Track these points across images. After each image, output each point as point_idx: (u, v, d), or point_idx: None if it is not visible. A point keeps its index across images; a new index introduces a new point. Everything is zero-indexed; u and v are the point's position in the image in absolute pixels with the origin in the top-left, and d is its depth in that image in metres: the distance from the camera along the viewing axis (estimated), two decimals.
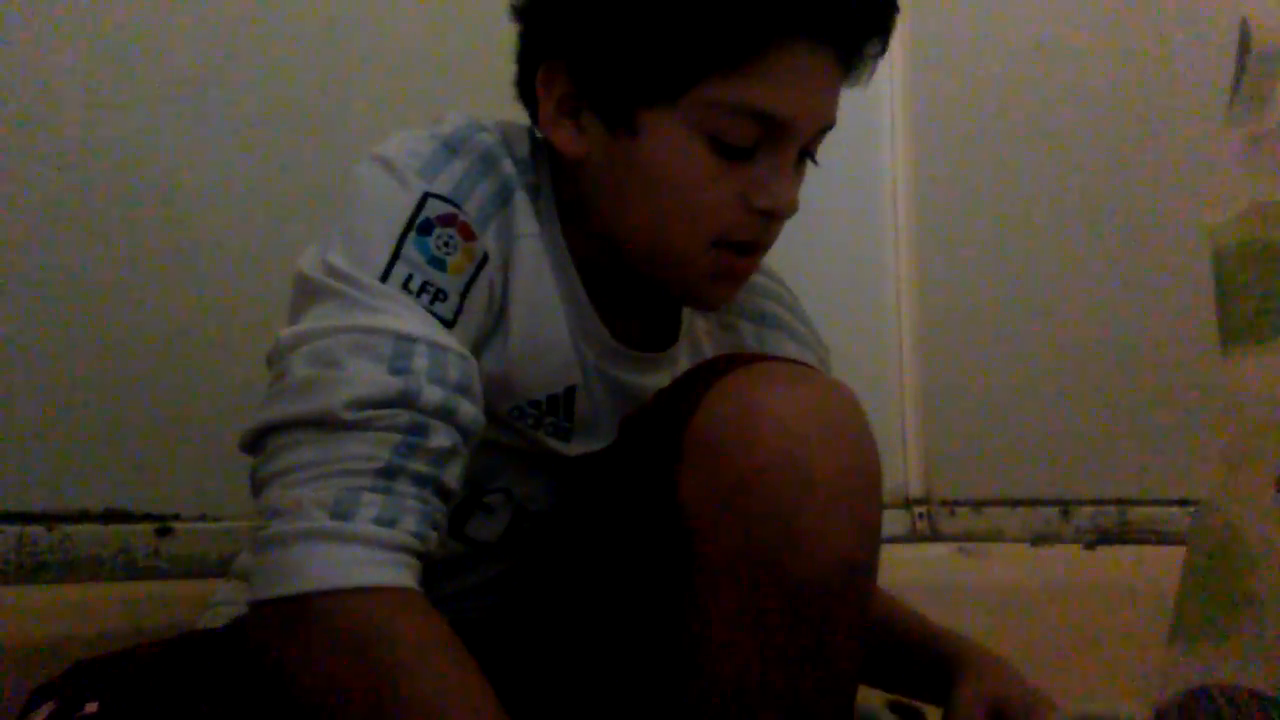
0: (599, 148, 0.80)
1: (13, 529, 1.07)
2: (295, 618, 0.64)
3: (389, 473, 0.67)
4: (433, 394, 0.69)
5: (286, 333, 0.70)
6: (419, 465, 0.68)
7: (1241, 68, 0.64)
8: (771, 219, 0.81)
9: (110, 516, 1.12)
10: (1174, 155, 1.39)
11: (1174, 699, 0.61)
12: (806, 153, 0.82)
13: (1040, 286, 1.50)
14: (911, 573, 1.42)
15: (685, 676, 0.71)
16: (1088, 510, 1.43)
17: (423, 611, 0.66)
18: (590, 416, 0.85)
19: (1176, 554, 1.32)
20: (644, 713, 0.76)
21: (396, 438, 0.67)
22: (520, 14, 0.84)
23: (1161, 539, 1.37)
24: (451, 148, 0.77)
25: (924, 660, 0.95)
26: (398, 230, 0.73)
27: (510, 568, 0.88)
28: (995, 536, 1.49)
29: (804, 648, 0.70)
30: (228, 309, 1.19)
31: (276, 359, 0.70)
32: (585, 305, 0.84)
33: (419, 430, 0.68)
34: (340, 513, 0.65)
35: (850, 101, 0.83)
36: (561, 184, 0.84)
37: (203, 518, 1.17)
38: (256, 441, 0.69)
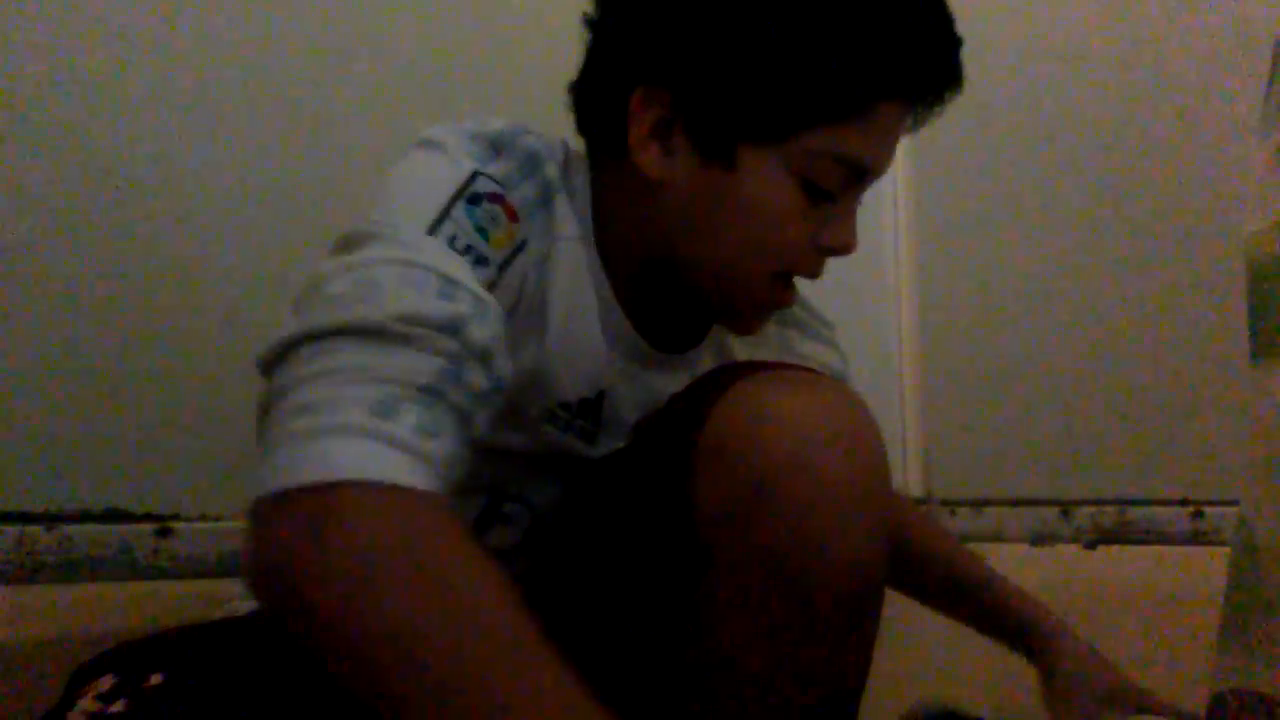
0: (685, 174, 0.81)
1: (13, 529, 1.05)
2: (325, 507, 0.58)
3: (431, 392, 0.64)
4: (479, 331, 0.67)
5: (326, 263, 0.68)
6: (458, 397, 0.65)
7: (1272, 80, 0.63)
8: (833, 254, 0.84)
9: (110, 516, 1.11)
10: (1176, 156, 1.40)
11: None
12: None
13: (1040, 287, 1.51)
14: None
15: (698, 676, 0.71)
16: (1088, 510, 1.43)
17: (462, 523, 0.62)
18: (615, 418, 0.86)
19: (1176, 554, 1.35)
20: (658, 714, 0.76)
21: (441, 362, 0.64)
22: (606, 32, 0.85)
23: (1161, 539, 1.38)
24: (497, 147, 0.78)
25: (1002, 626, 1.03)
26: (446, 195, 0.72)
27: (521, 572, 0.88)
28: (995, 536, 1.49)
29: (817, 648, 0.70)
30: (228, 309, 1.18)
31: (311, 287, 0.67)
32: (615, 308, 0.85)
33: (460, 361, 0.65)
34: (381, 413, 0.61)
35: None
36: (599, 193, 0.85)
37: (203, 518, 1.16)
38: (282, 354, 0.65)
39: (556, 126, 0.87)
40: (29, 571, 1.06)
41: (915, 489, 1.59)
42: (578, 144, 0.88)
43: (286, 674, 0.71)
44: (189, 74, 1.17)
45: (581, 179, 0.85)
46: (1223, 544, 1.30)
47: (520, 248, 0.77)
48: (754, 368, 0.76)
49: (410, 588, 0.58)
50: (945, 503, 1.56)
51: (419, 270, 0.67)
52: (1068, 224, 1.49)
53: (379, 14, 1.30)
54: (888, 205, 1.65)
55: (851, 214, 0.84)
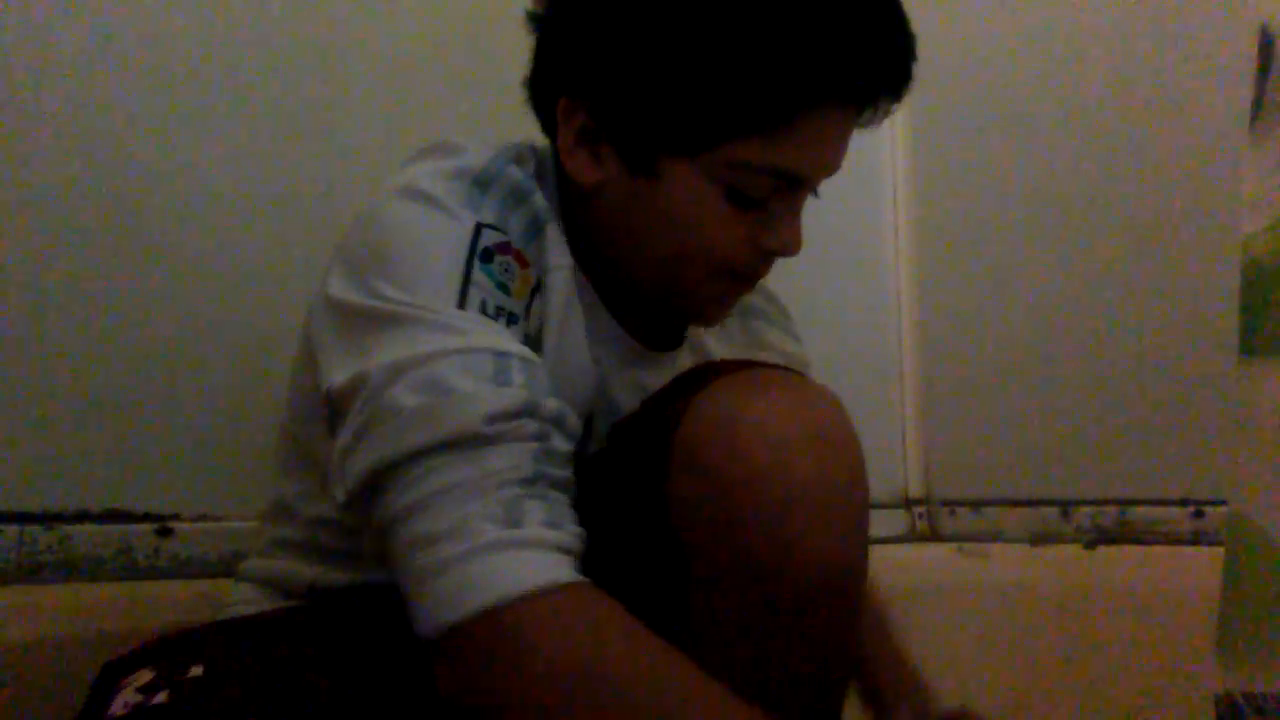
0: (615, 180, 0.81)
1: (13, 529, 1.06)
2: (502, 628, 0.62)
3: (534, 480, 0.66)
4: (549, 402, 0.69)
5: (374, 366, 0.68)
6: (554, 470, 0.68)
7: (1265, 72, 0.63)
8: (777, 256, 0.83)
9: (110, 516, 1.11)
10: (1177, 158, 1.39)
11: None
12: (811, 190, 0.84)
13: (1041, 287, 1.50)
14: (911, 573, 1.42)
15: None
16: (1088, 510, 1.43)
17: (610, 600, 0.66)
18: (606, 431, 0.86)
19: (1176, 554, 1.35)
20: None
21: (532, 446, 0.67)
22: (542, 36, 0.84)
23: (1161, 539, 1.37)
24: (482, 183, 0.77)
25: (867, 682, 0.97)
26: (462, 258, 0.72)
27: None
28: (995, 536, 1.49)
29: (796, 653, 0.70)
30: (228, 309, 1.18)
31: (369, 394, 0.68)
32: (604, 314, 0.85)
33: (545, 437, 0.68)
34: (511, 522, 0.64)
35: None
36: (569, 202, 0.85)
37: (203, 518, 1.16)
38: (377, 479, 0.67)
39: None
40: (29, 571, 1.06)
41: (915, 489, 1.59)
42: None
43: (321, 666, 0.73)
44: (193, 76, 1.18)
45: (554, 190, 0.85)
46: (1223, 544, 1.30)
47: (536, 289, 0.77)
48: (727, 367, 0.76)
49: (604, 668, 0.62)
50: (945, 503, 1.55)
51: (473, 355, 0.68)
52: (1068, 224, 1.49)
53: (379, 16, 1.30)
54: (888, 205, 1.64)
55: (793, 216, 0.82)
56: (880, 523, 1.54)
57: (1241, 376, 0.62)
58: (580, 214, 0.84)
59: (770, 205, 0.80)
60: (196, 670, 0.72)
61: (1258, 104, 0.64)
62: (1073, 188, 1.48)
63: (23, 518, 1.07)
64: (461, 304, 0.70)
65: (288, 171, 1.22)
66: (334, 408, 0.71)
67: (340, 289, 0.73)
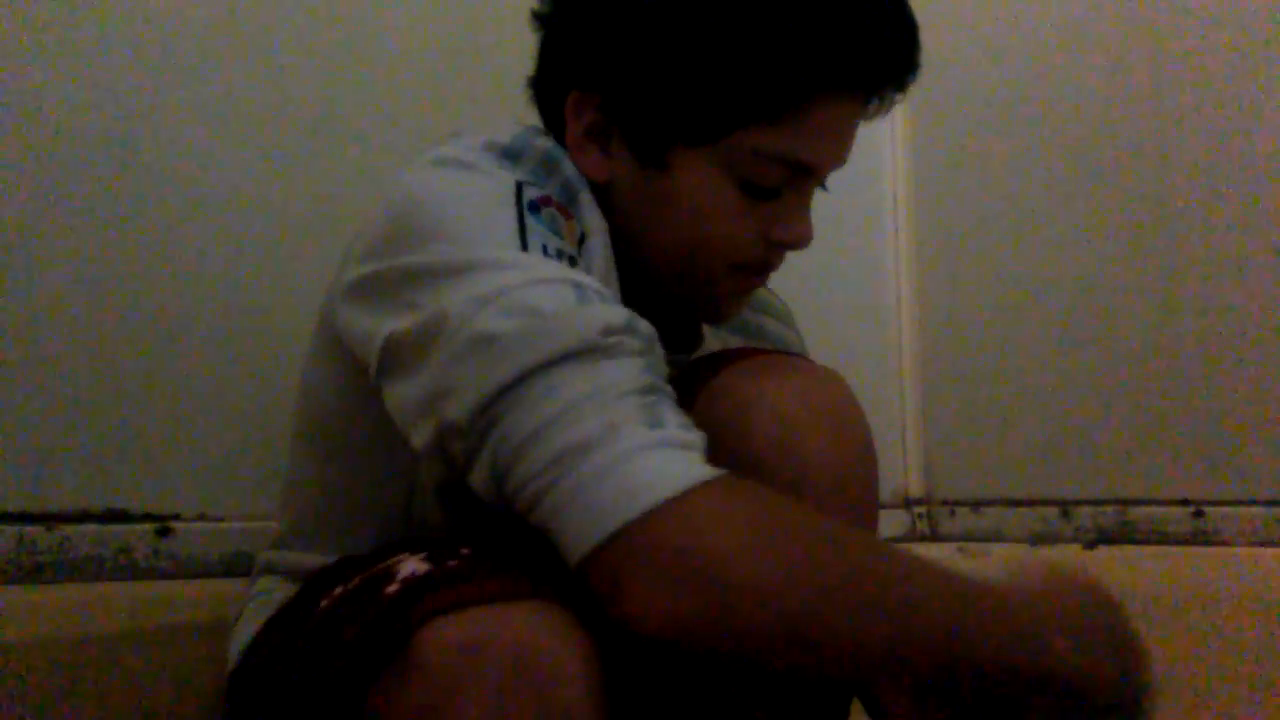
0: (626, 175, 0.82)
1: (13, 529, 1.05)
2: (685, 518, 0.60)
3: (656, 389, 0.65)
4: (643, 322, 0.68)
5: (450, 303, 0.66)
6: (662, 382, 0.67)
7: None
8: (787, 249, 0.84)
9: (110, 516, 1.11)
10: (1175, 158, 1.39)
11: None
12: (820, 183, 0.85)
13: (1040, 287, 1.51)
14: None
15: None
16: (1088, 510, 1.43)
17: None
18: None
19: (1177, 554, 1.35)
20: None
21: (642, 360, 0.66)
22: (549, 32, 0.85)
23: (1161, 539, 1.37)
24: (512, 155, 0.77)
25: None
26: (512, 209, 0.71)
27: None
28: (995, 536, 1.49)
29: None
30: (229, 308, 1.18)
31: (453, 328, 0.65)
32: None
33: (647, 353, 0.67)
34: (654, 424, 0.63)
35: None
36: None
37: (203, 518, 1.16)
38: (491, 406, 0.64)
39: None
40: (29, 571, 1.06)
41: (915, 489, 1.59)
42: None
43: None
44: (192, 70, 1.17)
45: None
46: (1223, 544, 1.30)
47: (583, 239, 0.77)
48: (740, 355, 0.79)
49: (809, 553, 0.61)
50: (945, 503, 1.56)
51: (553, 285, 0.66)
52: (1067, 224, 1.49)
53: (390, 22, 1.30)
54: (888, 206, 1.65)
55: (803, 208, 0.83)
56: (880, 523, 1.54)
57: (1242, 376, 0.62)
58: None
59: (781, 197, 0.81)
60: (465, 550, 0.68)
61: None
62: (1072, 187, 1.49)
63: (23, 518, 1.06)
64: (524, 247, 0.69)
65: (290, 171, 1.22)
66: (394, 354, 0.69)
67: (374, 264, 0.71)
